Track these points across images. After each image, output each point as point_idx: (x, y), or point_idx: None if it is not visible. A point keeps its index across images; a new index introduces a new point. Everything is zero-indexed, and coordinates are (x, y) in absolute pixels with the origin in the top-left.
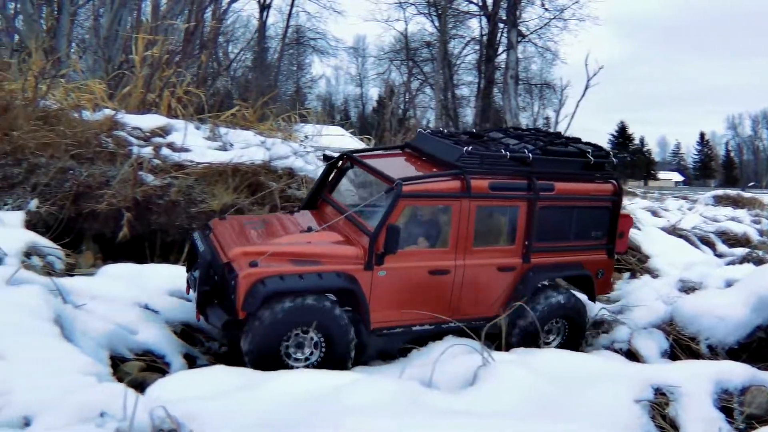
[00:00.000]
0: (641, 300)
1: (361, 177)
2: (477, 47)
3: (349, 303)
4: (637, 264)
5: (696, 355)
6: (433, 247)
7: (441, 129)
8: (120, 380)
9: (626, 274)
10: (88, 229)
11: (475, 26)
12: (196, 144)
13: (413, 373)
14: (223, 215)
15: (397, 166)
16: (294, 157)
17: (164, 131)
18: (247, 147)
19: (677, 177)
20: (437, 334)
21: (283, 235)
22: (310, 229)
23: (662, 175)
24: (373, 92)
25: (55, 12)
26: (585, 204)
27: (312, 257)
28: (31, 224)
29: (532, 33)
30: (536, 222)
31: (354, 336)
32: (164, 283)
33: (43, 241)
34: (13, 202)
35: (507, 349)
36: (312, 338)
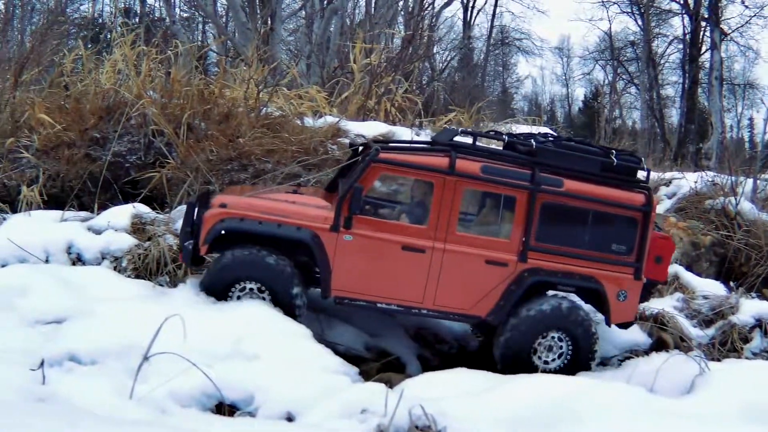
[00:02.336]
0: None
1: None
2: (680, 46)
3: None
4: None
5: None
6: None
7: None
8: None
9: None
10: None
11: (678, 25)
12: None
13: (636, 380)
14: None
15: None
16: None
17: (386, 138)
18: None
19: None
20: (406, 317)
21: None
22: (296, 191)
23: None
24: (579, 92)
25: (260, 19)
26: (604, 210)
27: (282, 212)
28: None
29: (733, 31)
30: (537, 218)
31: (299, 290)
32: None
33: None
34: None
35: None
36: (259, 289)
